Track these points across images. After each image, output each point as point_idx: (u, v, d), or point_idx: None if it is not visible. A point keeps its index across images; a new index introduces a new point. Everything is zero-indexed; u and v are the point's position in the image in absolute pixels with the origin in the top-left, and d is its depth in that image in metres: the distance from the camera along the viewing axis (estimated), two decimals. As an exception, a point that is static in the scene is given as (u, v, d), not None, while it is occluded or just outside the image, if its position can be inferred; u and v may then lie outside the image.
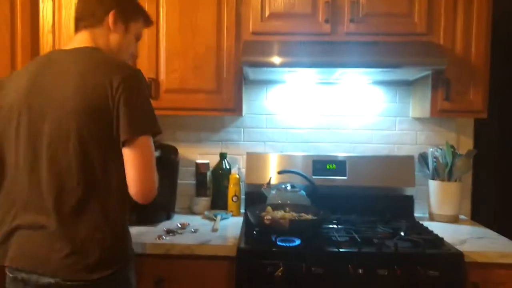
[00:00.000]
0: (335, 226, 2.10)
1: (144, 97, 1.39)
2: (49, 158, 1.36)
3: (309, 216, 2.00)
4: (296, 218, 1.97)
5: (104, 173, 1.36)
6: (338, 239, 1.88)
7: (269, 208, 2.08)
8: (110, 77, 1.34)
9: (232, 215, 2.37)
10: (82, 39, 1.50)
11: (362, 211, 2.33)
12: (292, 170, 2.26)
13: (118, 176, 1.36)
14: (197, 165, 2.45)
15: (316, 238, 1.88)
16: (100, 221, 1.36)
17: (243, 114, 2.39)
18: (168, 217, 2.26)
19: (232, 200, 2.40)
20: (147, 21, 1.67)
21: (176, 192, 2.38)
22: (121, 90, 1.33)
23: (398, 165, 2.43)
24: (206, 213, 2.36)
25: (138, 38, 1.64)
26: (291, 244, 1.80)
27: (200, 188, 2.44)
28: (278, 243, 1.82)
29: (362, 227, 2.09)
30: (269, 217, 1.85)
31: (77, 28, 1.53)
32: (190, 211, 2.46)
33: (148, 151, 1.37)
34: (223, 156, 2.48)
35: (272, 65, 2.01)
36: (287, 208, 2.08)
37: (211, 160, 2.50)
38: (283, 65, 2.00)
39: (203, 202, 2.44)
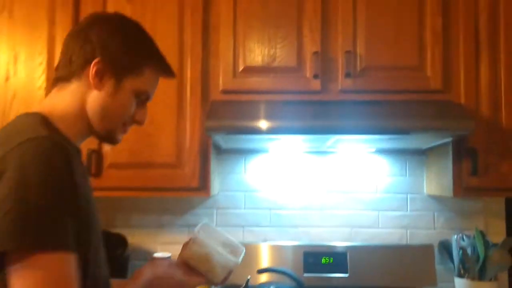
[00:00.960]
0: None
1: (30, 184, 0.82)
2: None
3: (298, 338, 1.45)
4: None
5: None
6: None
7: (243, 325, 1.52)
8: None
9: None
10: (43, 102, 1.03)
11: (370, 322, 1.77)
12: (275, 268, 1.72)
13: None
14: (154, 260, 1.89)
15: None
16: None
17: (215, 193, 1.89)
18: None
19: (199, 305, 1.84)
20: (165, 70, 1.08)
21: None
22: None
23: (413, 256, 1.89)
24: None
25: (142, 96, 1.05)
26: None
27: (158, 290, 1.88)
28: None
29: None
30: None
31: (52, 84, 1.04)
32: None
33: (39, 279, 0.81)
34: (189, 246, 1.94)
35: (245, 131, 1.54)
36: (269, 325, 1.53)
37: (175, 251, 1.95)
38: (257, 131, 1.52)
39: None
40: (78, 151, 1.03)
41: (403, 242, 1.99)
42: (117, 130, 1.06)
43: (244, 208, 2.03)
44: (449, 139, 1.69)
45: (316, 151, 2.02)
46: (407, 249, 1.92)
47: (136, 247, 1.98)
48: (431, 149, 1.94)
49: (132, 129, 1.66)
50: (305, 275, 1.84)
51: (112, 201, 1.99)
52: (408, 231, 2.00)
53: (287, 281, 1.76)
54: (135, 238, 2.00)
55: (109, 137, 1.07)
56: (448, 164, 1.74)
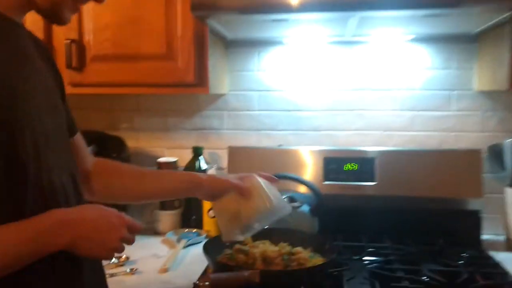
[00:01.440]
0: (355, 260, 1.33)
1: None
2: None
3: (307, 253, 1.25)
4: (285, 258, 1.22)
5: None
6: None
7: (247, 238, 1.34)
8: None
9: (207, 237, 1.65)
10: None
11: (399, 237, 1.54)
12: (288, 175, 1.49)
13: None
14: (159, 165, 1.73)
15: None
16: None
17: (225, 92, 1.65)
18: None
19: (208, 215, 1.68)
20: None
21: (128, 204, 1.68)
22: None
23: (456, 163, 1.60)
24: (168, 235, 1.64)
25: None
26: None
27: (164, 198, 1.73)
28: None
29: (398, 266, 1.32)
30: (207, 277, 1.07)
31: None
32: (153, 231, 1.75)
33: None
34: (197, 151, 1.74)
35: (236, 10, 1.24)
36: (275, 237, 1.33)
37: (182, 157, 1.78)
38: (253, 9, 1.22)
39: (169, 217, 1.72)
40: (16, 25, 0.81)
41: (445, 147, 1.69)
42: (63, 4, 0.82)
43: (259, 110, 1.78)
44: (508, 14, 1.32)
45: (341, 40, 1.69)
46: (448, 155, 1.62)
47: (140, 152, 1.82)
48: (484, 34, 1.56)
49: (115, 14, 1.42)
50: (325, 183, 1.61)
51: (113, 100, 1.80)
52: (452, 135, 1.69)
53: (304, 189, 1.54)
54: (140, 142, 1.83)
55: (54, 14, 0.83)
56: (504, 50, 1.38)
